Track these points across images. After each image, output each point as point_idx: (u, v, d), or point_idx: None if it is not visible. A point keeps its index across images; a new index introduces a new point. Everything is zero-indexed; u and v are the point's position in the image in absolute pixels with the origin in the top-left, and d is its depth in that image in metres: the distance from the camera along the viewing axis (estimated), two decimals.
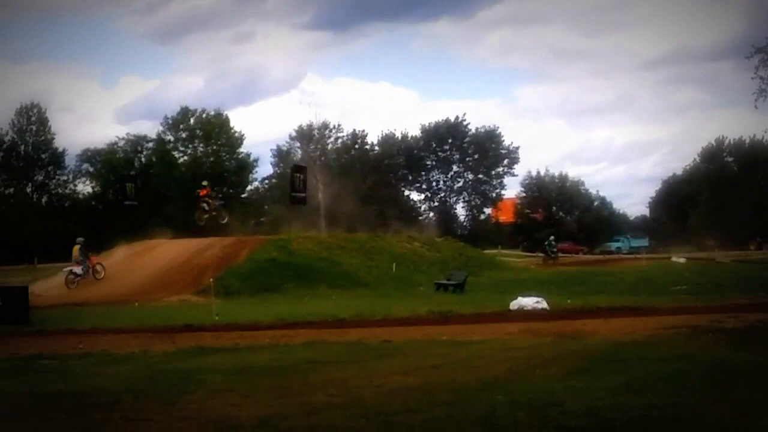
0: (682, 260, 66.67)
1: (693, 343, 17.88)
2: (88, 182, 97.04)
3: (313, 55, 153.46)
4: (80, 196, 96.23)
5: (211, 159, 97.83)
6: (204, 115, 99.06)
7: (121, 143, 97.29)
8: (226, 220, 53.62)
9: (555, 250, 74.31)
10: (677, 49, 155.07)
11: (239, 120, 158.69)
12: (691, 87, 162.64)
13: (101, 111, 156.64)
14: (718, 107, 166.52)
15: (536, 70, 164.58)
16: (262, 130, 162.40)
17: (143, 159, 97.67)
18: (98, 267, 44.62)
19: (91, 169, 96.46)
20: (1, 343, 21.94)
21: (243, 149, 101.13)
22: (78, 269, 43.33)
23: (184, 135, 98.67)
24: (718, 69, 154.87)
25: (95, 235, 58.13)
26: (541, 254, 76.67)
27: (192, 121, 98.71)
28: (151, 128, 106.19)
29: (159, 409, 11.97)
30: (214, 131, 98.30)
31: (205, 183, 55.18)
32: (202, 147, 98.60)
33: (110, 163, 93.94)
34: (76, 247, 44.25)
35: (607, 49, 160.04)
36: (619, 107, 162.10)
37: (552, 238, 76.74)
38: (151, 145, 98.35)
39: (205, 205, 51.70)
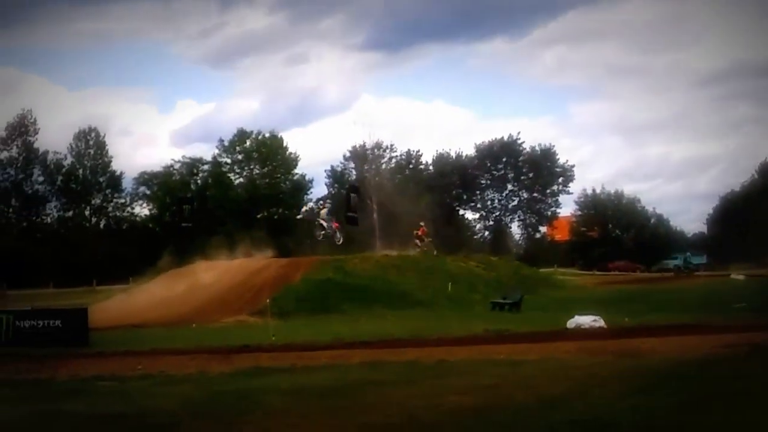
0: (741, 277, 65.78)
1: (753, 361, 17.65)
2: (145, 205, 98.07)
3: (366, 75, 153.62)
4: (137, 218, 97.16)
5: (267, 180, 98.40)
6: (260, 137, 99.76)
7: (177, 166, 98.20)
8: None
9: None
10: (733, 65, 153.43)
11: (294, 141, 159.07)
12: (747, 103, 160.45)
13: (158, 134, 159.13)
14: None
15: (591, 87, 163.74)
16: (317, 152, 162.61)
17: (199, 181, 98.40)
18: (339, 234, 50.25)
19: (147, 192, 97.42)
20: (61, 364, 22.17)
21: (298, 170, 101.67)
22: (325, 224, 49.47)
23: (240, 157, 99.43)
24: None
25: (152, 255, 58.59)
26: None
27: (248, 143, 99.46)
28: (206, 151, 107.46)
29: (217, 429, 12.05)
30: (269, 153, 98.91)
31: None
32: (258, 169, 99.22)
33: (167, 186, 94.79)
34: (324, 210, 47.94)
35: (662, 66, 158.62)
36: (675, 124, 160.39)
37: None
38: (206, 167, 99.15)
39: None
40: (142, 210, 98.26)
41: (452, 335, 27.72)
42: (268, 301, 36.46)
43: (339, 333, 28.90)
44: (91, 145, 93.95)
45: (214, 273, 50.47)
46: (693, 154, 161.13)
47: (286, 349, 24.79)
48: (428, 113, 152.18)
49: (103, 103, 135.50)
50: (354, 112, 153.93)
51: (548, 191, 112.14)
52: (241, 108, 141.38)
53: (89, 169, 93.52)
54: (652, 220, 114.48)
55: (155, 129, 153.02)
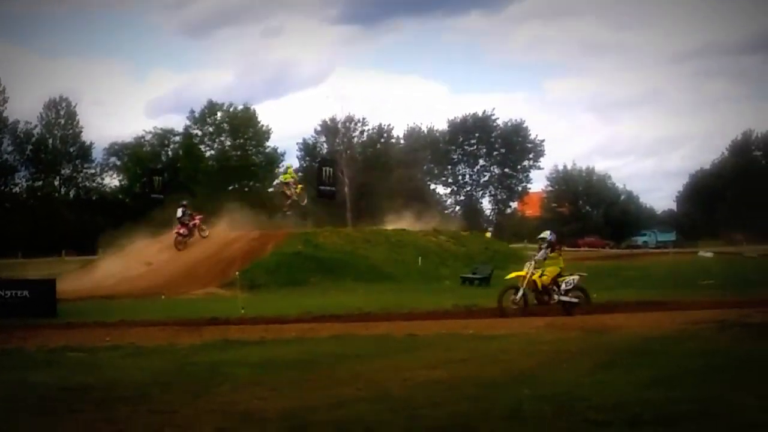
0: (709, 255, 66.31)
1: (721, 337, 17.76)
2: (115, 175, 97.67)
3: (341, 49, 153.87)
4: (107, 189, 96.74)
5: (238, 153, 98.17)
6: (231, 109, 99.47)
7: (148, 137, 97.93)
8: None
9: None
10: (707, 43, 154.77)
11: (267, 114, 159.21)
12: (721, 80, 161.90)
13: (131, 105, 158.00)
14: (747, 101, 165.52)
15: (565, 63, 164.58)
16: (292, 125, 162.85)
17: (170, 153, 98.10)
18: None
19: (118, 163, 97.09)
20: (29, 335, 22.03)
21: (270, 143, 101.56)
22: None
23: (211, 129, 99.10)
24: (748, 62, 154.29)
25: (121, 228, 58.31)
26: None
27: (219, 115, 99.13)
28: (180, 122, 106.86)
29: (186, 401, 12.01)
30: (241, 125, 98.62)
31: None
32: (230, 141, 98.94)
33: (137, 157, 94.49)
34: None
35: (636, 43, 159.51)
36: (648, 101, 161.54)
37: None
38: (178, 138, 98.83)
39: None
40: (112, 181, 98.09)
41: (422, 309, 27.75)
42: (237, 273, 36.42)
43: (308, 306, 28.88)
44: (61, 115, 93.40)
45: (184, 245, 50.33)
46: (665, 131, 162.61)
47: (256, 322, 24.76)
48: (403, 88, 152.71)
49: (75, 72, 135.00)
50: (328, 85, 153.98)
51: (519, 167, 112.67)
52: (216, 79, 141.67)
53: (59, 138, 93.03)
54: (623, 197, 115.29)
55: (128, 99, 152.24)
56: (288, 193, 56.55)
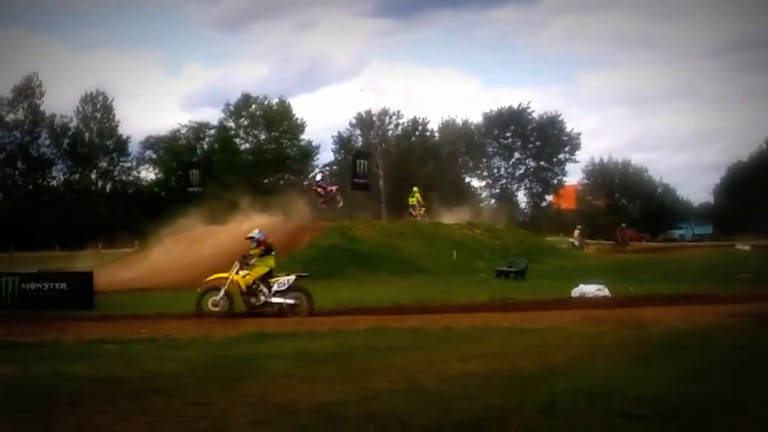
0: (746, 248, 65.82)
1: (758, 331, 17.66)
2: (151, 169, 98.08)
3: (375, 42, 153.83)
4: (143, 182, 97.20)
5: (273, 146, 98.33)
6: (266, 103, 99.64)
7: (184, 130, 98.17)
8: (341, 204, 55.21)
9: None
10: (743, 35, 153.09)
11: (302, 107, 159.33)
12: (757, 73, 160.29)
13: (166, 98, 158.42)
14: None
15: (600, 56, 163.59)
16: (326, 118, 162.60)
17: (205, 146, 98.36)
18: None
19: (154, 156, 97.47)
20: (66, 327, 22.22)
21: (305, 136, 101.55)
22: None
23: (246, 122, 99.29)
24: None
25: (158, 221, 58.50)
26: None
27: (254, 108, 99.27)
28: (215, 116, 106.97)
29: (220, 394, 12.05)
30: (276, 118, 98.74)
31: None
32: (264, 134, 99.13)
33: (173, 150, 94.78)
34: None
35: (671, 36, 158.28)
36: (684, 94, 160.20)
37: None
38: (213, 132, 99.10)
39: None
40: (148, 174, 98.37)
41: (457, 302, 27.74)
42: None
43: (343, 299, 28.93)
44: (98, 109, 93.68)
45: (221, 237, 50.46)
46: (701, 124, 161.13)
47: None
48: (437, 80, 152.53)
49: (111, 66, 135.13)
50: (363, 78, 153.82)
51: (555, 160, 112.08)
52: (250, 73, 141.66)
53: (96, 132, 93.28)
54: (659, 190, 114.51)
55: (163, 92, 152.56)
56: (413, 213, 59.40)
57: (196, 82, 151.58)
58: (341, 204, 56.07)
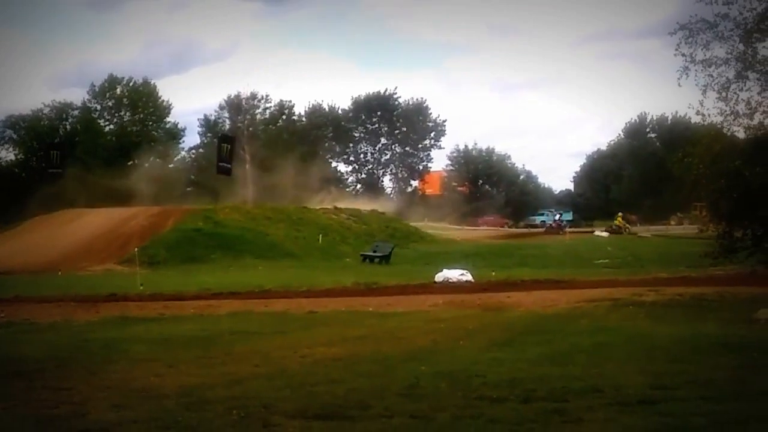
0: (605, 234, 67.57)
1: (614, 315, 18.18)
2: (11, 149, 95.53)
3: (248, 25, 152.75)
4: (3, 163, 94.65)
5: (138, 128, 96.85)
6: (131, 84, 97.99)
7: (47, 110, 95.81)
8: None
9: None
10: (608, 27, 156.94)
11: (171, 90, 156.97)
12: (620, 64, 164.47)
13: (31, 77, 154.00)
14: (646, 84, 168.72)
15: (469, 44, 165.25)
16: (195, 101, 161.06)
17: (68, 127, 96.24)
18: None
19: (14, 136, 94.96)
20: None
21: (172, 119, 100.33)
22: None
23: (110, 103, 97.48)
24: (648, 46, 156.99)
25: (17, 202, 57.24)
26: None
27: (119, 89, 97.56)
28: (82, 97, 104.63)
29: (82, 378, 11.90)
30: (140, 100, 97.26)
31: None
32: (129, 116, 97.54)
33: (34, 130, 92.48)
34: None
35: (539, 25, 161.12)
36: (550, 82, 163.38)
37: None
38: (77, 113, 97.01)
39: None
40: (8, 155, 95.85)
41: (322, 287, 27.80)
42: (136, 249, 36.07)
43: (208, 283, 28.75)
44: None
45: (82, 221, 49.67)
46: (565, 112, 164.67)
47: (154, 299, 24.57)
48: (309, 65, 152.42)
49: None
50: (234, 61, 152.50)
51: (420, 146, 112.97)
52: (120, 54, 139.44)
53: None
54: (521, 177, 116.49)
55: (28, 71, 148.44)
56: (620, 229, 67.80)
57: (63, 62, 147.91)
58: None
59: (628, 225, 73.21)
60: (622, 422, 8.93)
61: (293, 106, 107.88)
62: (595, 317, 17.89)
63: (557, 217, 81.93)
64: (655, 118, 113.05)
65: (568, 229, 75.17)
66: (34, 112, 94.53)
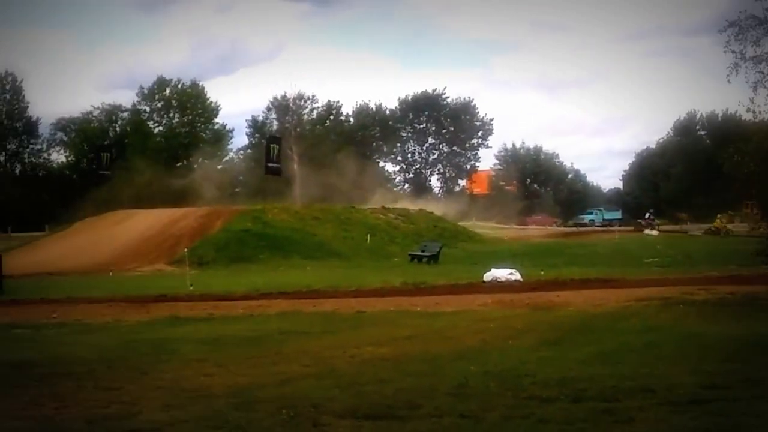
0: (654, 233, 67.06)
1: (664, 314, 18.00)
2: (62, 151, 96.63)
3: (294, 25, 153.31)
4: (54, 165, 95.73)
5: (186, 129, 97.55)
6: (180, 86, 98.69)
7: (96, 113, 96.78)
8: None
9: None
10: (655, 24, 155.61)
11: (219, 91, 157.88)
12: (668, 61, 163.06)
13: (80, 80, 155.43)
14: (693, 82, 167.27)
15: (515, 42, 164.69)
16: (242, 102, 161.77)
17: (118, 129, 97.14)
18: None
19: (65, 139, 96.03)
20: None
21: (220, 120, 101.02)
22: None
23: (159, 105, 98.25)
24: (695, 44, 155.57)
25: (68, 204, 57.83)
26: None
27: (167, 91, 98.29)
28: (130, 98, 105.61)
29: (132, 378, 11.99)
30: (189, 102, 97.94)
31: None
32: (177, 117, 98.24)
33: (84, 133, 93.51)
34: None
35: (584, 23, 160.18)
36: (596, 80, 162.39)
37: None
38: (126, 115, 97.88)
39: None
40: (59, 157, 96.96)
41: (370, 287, 27.78)
42: (185, 250, 36.30)
43: (257, 283, 28.84)
44: (7, 90, 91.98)
45: (132, 221, 50.09)
46: (613, 111, 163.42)
47: (204, 299, 24.68)
48: (356, 65, 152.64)
49: (22, 46, 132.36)
50: (280, 61, 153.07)
51: (468, 145, 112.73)
52: (168, 55, 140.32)
53: (5, 114, 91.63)
54: (570, 176, 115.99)
55: (77, 74, 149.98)
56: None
57: (112, 64, 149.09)
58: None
59: (728, 226, 68.10)
60: (673, 422, 8.86)
61: (341, 107, 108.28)
62: (645, 316, 17.74)
63: (647, 215, 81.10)
64: (704, 115, 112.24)
65: (617, 228, 74.81)
66: (83, 115, 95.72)
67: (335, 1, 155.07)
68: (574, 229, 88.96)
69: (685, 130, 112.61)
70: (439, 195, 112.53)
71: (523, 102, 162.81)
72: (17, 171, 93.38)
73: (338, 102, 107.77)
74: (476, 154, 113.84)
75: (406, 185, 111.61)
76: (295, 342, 15.64)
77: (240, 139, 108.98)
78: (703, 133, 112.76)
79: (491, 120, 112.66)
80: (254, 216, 48.98)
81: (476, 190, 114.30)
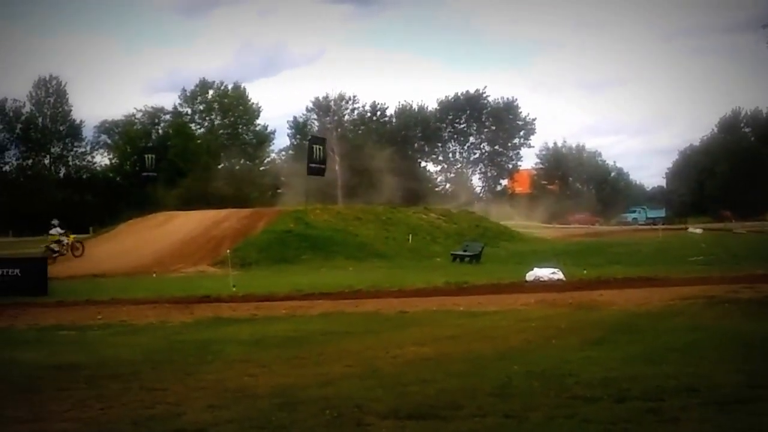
0: (698, 231, 66.58)
1: (708, 313, 17.89)
2: (105, 154, 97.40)
3: (336, 27, 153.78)
4: (98, 167, 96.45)
5: (228, 131, 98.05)
6: (222, 88, 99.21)
7: (139, 115, 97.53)
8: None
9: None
10: (697, 21, 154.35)
11: (261, 93, 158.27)
12: (710, 59, 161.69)
13: (124, 84, 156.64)
14: (737, 79, 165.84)
15: (557, 41, 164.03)
16: (284, 103, 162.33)
17: (161, 131, 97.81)
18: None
19: (109, 141, 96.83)
20: (20, 313, 22.09)
21: (262, 121, 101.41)
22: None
23: (201, 107, 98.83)
24: (738, 41, 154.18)
25: (113, 205, 58.29)
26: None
27: (210, 93, 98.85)
28: (173, 101, 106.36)
29: (176, 379, 12.08)
30: (231, 104, 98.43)
31: None
32: (219, 119, 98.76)
33: (128, 135, 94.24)
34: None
35: (627, 21, 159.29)
36: (638, 78, 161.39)
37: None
38: (168, 117, 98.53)
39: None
40: (103, 159, 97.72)
41: (412, 287, 27.77)
42: (228, 251, 36.44)
43: (299, 284, 28.88)
44: (51, 93, 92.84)
45: (175, 223, 50.36)
46: (654, 109, 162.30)
47: (247, 300, 24.76)
48: (398, 66, 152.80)
49: (66, 50, 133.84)
50: (322, 63, 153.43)
51: (509, 144, 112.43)
52: (211, 58, 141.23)
53: (49, 117, 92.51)
54: (613, 174, 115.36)
55: (121, 78, 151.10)
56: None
57: (155, 68, 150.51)
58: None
59: None
60: (718, 422, 8.80)
61: (386, 108, 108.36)
62: (690, 315, 17.64)
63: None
64: (749, 112, 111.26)
65: (661, 227, 74.32)
66: (127, 117, 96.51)
67: (376, 2, 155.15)
68: (616, 227, 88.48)
69: (729, 127, 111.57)
70: (481, 194, 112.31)
71: (564, 100, 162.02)
72: (61, 174, 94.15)
73: (383, 103, 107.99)
74: (518, 153, 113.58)
75: (448, 185, 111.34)
76: (338, 342, 15.69)
77: (281, 140, 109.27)
78: (747, 130, 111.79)
79: (534, 119, 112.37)
80: (296, 217, 49.07)
81: (518, 189, 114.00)
